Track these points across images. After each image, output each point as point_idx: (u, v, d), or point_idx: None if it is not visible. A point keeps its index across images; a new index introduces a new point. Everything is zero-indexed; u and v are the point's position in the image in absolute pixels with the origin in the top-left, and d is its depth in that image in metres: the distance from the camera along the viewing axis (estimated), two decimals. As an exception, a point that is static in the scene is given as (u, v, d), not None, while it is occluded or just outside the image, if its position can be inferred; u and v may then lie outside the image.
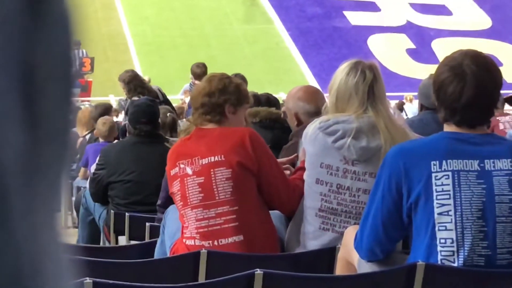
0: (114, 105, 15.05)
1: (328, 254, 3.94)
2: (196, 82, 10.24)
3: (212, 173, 4.13)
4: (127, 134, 7.39)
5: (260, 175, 4.21)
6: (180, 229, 4.29)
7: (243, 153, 4.17)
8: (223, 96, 4.30)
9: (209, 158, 4.15)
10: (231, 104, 4.33)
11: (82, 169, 9.14)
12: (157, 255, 4.53)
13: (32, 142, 0.56)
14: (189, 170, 4.17)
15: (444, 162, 3.33)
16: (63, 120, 0.60)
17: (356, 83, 4.12)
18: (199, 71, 10.69)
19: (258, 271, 3.34)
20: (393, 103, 17.57)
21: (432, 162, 3.33)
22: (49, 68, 0.59)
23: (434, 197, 3.32)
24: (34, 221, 0.57)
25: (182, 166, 4.19)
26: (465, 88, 3.33)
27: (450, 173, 3.32)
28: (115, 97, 18.75)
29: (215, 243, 4.10)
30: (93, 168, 6.87)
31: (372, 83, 4.13)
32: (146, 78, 19.54)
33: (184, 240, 4.18)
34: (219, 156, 4.14)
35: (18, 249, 0.55)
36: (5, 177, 0.54)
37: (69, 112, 0.61)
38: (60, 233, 0.60)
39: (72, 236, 7.42)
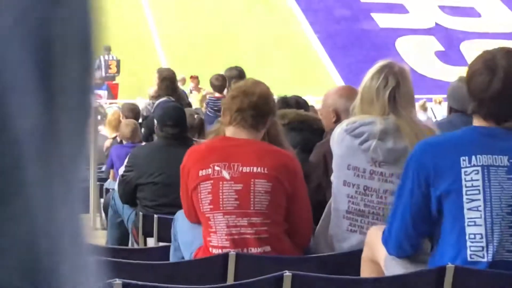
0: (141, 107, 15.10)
1: (357, 256, 3.93)
2: (217, 94, 10.18)
3: (252, 182, 4.09)
4: (155, 137, 7.43)
5: (292, 199, 4.19)
6: (197, 237, 4.27)
7: (286, 175, 4.13)
8: (269, 106, 4.28)
9: (252, 167, 4.10)
10: (272, 115, 4.32)
11: (111, 171, 9.18)
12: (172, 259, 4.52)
13: (48, 114, 0.56)
14: (226, 174, 4.10)
15: (473, 157, 3.32)
16: (82, 96, 0.60)
17: (378, 89, 4.12)
18: (218, 84, 10.60)
19: (287, 273, 3.34)
20: (417, 105, 17.53)
21: (461, 157, 3.33)
22: (67, 43, 0.59)
23: (464, 192, 3.31)
24: (52, 193, 0.56)
25: (217, 168, 4.11)
26: (493, 80, 3.33)
27: (479, 168, 3.31)
28: (143, 99, 18.81)
29: (244, 251, 4.06)
30: (121, 170, 6.90)
31: (394, 89, 4.11)
32: (181, 76, 19.88)
33: (210, 249, 4.14)
34: (262, 169, 4.10)
35: (35, 219, 0.55)
36: (21, 145, 0.54)
37: (88, 89, 0.60)
38: (81, 214, 0.59)
39: (100, 238, 7.45)
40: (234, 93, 4.30)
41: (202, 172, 4.14)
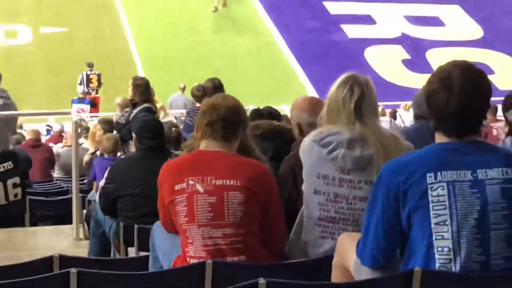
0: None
1: (329, 262, 3.93)
2: (197, 104, 10.16)
3: (225, 195, 4.08)
4: (134, 149, 7.40)
5: (266, 208, 4.18)
6: (175, 246, 4.26)
7: (258, 186, 4.13)
8: (240, 116, 4.26)
9: (225, 180, 4.10)
10: (244, 127, 4.31)
11: (94, 183, 9.15)
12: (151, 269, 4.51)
13: None
14: (200, 188, 4.09)
15: (438, 173, 3.33)
16: None
17: (343, 98, 4.14)
18: (199, 94, 10.58)
19: (262, 280, 3.33)
20: (387, 111, 17.56)
21: (427, 174, 3.33)
22: None
23: (431, 208, 3.32)
24: None
25: (191, 182, 4.10)
26: (451, 99, 3.34)
27: (445, 184, 3.32)
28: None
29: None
30: (101, 182, 6.87)
31: (359, 99, 4.14)
32: (182, 85, 20.14)
33: (188, 259, 4.13)
34: (235, 181, 4.10)
35: None
36: None
37: None
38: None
39: (83, 248, 7.41)
40: (204, 108, 4.31)
41: (177, 187, 4.14)
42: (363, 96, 4.15)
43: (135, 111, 9.96)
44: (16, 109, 9.89)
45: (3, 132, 9.68)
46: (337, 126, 4.14)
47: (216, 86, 9.88)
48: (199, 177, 4.11)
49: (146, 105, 9.81)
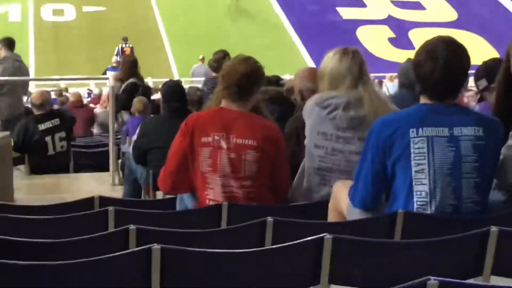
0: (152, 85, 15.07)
1: (326, 205, 3.93)
2: (214, 74, 10.09)
3: (243, 153, 4.08)
4: (161, 111, 7.43)
5: (275, 163, 4.17)
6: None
7: (271, 145, 4.12)
8: (255, 79, 4.20)
9: (244, 140, 4.09)
10: (258, 87, 4.27)
11: (127, 137, 9.17)
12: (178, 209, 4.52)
13: None
14: (223, 144, 4.08)
15: (420, 129, 3.33)
16: None
17: (350, 66, 4.12)
18: (215, 65, 10.48)
19: (269, 219, 3.34)
20: (375, 81, 17.52)
21: (410, 130, 3.33)
22: None
23: (412, 158, 3.32)
24: None
25: (216, 138, 4.08)
26: (435, 69, 3.33)
27: (425, 138, 3.32)
28: (152, 79, 18.75)
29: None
30: (134, 137, 6.88)
31: (361, 64, 4.15)
32: (201, 56, 20.07)
33: (207, 201, 4.13)
34: (252, 141, 4.08)
35: None
36: None
37: None
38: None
39: (118, 192, 7.43)
40: (223, 72, 4.26)
41: (204, 139, 4.11)
42: (363, 62, 4.15)
43: (122, 86, 10.06)
44: (27, 71, 10.04)
45: (18, 93, 9.75)
46: (337, 91, 4.13)
47: (226, 54, 9.84)
48: (223, 133, 4.09)
49: (131, 80, 9.84)
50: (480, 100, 5.41)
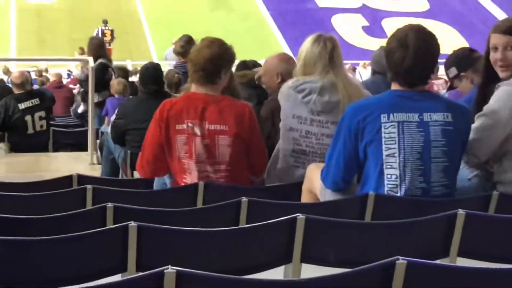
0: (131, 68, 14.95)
1: (299, 186, 3.94)
2: (182, 59, 9.95)
3: (216, 138, 4.08)
4: (139, 93, 7.40)
5: (249, 143, 4.17)
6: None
7: (243, 128, 4.12)
8: (221, 62, 4.17)
9: (216, 125, 4.09)
10: (226, 69, 4.25)
11: (106, 118, 9.12)
12: (156, 186, 4.51)
13: None
14: (197, 131, 4.08)
15: (391, 114, 3.34)
16: None
17: (320, 52, 4.12)
18: (182, 51, 10.34)
19: (244, 199, 3.33)
20: (347, 68, 17.54)
21: (382, 115, 3.34)
22: None
23: (383, 142, 3.34)
24: None
25: (190, 125, 4.08)
26: (406, 57, 3.33)
27: (396, 123, 3.33)
28: (131, 61, 18.65)
29: None
30: (113, 117, 6.84)
31: (332, 51, 4.13)
32: (174, 40, 19.65)
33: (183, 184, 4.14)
34: (224, 126, 4.08)
35: None
36: None
37: None
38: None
39: (97, 170, 7.40)
40: (190, 57, 4.23)
41: (178, 127, 4.11)
42: (334, 49, 4.14)
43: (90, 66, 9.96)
44: None
45: None
46: (311, 76, 4.13)
47: (190, 39, 9.74)
48: (196, 120, 4.08)
49: (100, 60, 9.74)
50: (450, 87, 5.44)
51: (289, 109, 4.17)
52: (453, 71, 5.02)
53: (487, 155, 3.62)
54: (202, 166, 4.10)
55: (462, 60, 4.99)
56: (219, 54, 4.16)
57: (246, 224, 3.25)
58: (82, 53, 19.27)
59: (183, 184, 4.13)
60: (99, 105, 9.45)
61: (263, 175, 4.34)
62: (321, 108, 4.09)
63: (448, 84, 5.65)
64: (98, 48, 9.99)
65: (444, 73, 5.18)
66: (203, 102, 4.13)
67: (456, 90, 5.20)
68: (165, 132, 4.13)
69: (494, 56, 3.68)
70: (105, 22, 24.29)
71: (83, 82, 10.20)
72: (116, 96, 9.18)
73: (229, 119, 4.10)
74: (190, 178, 4.11)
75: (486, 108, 3.55)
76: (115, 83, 9.33)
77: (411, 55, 3.32)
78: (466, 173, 3.75)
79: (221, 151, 4.10)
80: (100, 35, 23.77)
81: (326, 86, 4.10)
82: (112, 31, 24.18)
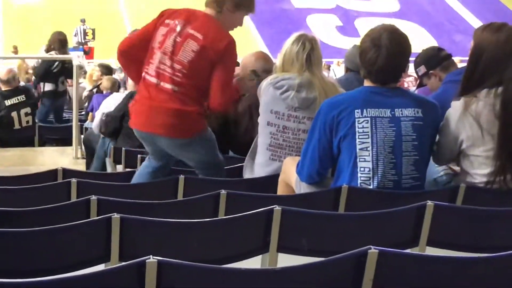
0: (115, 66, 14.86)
1: (276, 179, 3.94)
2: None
3: (187, 40, 4.13)
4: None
5: (215, 69, 4.12)
6: None
7: (216, 47, 4.10)
8: None
9: (195, 31, 4.13)
10: (232, 2, 4.25)
11: (90, 113, 9.07)
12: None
13: None
14: (178, 28, 4.16)
15: (364, 110, 3.35)
16: None
17: (297, 52, 4.12)
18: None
19: (223, 191, 3.33)
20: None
21: (355, 110, 3.35)
22: None
23: (357, 136, 3.34)
24: None
25: (176, 23, 4.19)
26: (379, 57, 3.34)
27: (369, 119, 3.34)
28: (113, 59, 18.52)
29: (161, 83, 4.16)
30: (97, 113, 6.77)
31: (309, 52, 4.13)
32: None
33: (144, 74, 4.25)
34: (200, 35, 4.12)
35: None
36: None
37: None
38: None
39: (81, 165, 7.36)
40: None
41: (167, 21, 4.23)
42: (312, 50, 4.14)
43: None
44: None
45: None
46: (290, 73, 4.13)
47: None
48: (183, 21, 4.18)
49: (51, 52, 9.65)
50: (420, 85, 5.46)
51: (267, 104, 4.17)
52: (422, 69, 5.04)
53: (447, 159, 3.65)
54: (163, 59, 4.15)
55: (431, 58, 5.01)
56: None
57: (225, 215, 3.25)
58: (15, 51, 19.19)
59: (143, 73, 4.23)
60: (47, 95, 9.51)
61: (215, 111, 4.29)
62: (298, 104, 4.10)
63: (418, 81, 5.67)
64: (57, 41, 9.80)
65: (414, 70, 5.20)
66: (200, 14, 4.24)
67: (425, 87, 5.22)
68: (155, 23, 4.27)
69: None
70: (83, 21, 24.15)
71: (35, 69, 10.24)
72: (104, 92, 9.15)
73: (209, 33, 4.12)
74: (150, 69, 4.20)
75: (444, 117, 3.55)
76: (104, 80, 9.33)
77: (384, 55, 3.33)
78: (436, 170, 3.77)
79: (184, 51, 4.13)
80: (81, 34, 23.65)
81: (304, 83, 4.10)
82: (93, 30, 24.05)
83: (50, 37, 9.96)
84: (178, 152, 4.32)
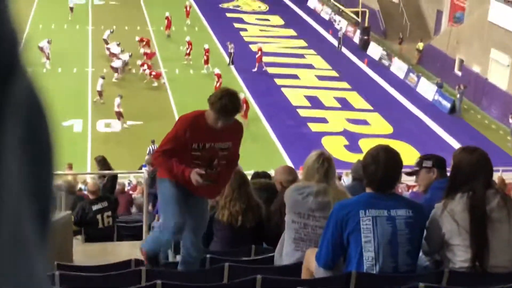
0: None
1: (300, 266, 3.89)
2: None
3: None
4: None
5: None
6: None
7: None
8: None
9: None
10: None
11: (156, 215, 9.08)
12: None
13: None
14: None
15: (367, 211, 3.34)
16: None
17: (318, 168, 4.14)
18: None
19: (259, 276, 3.29)
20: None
21: (360, 211, 3.34)
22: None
23: (362, 232, 3.31)
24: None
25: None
26: (378, 170, 3.36)
27: (371, 218, 3.32)
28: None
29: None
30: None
31: (328, 168, 4.15)
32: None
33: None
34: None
35: None
36: None
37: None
38: None
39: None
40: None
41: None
42: (329, 167, 4.17)
43: None
44: None
45: None
46: (310, 182, 4.15)
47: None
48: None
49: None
50: (408, 189, 5.43)
51: (291, 206, 4.17)
52: (429, 164, 4.97)
53: (434, 251, 3.61)
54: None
55: (442, 162, 4.97)
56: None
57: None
58: (70, 168, 17.96)
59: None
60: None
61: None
62: (316, 206, 4.09)
63: (408, 187, 5.64)
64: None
65: (405, 179, 5.19)
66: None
67: (415, 191, 5.18)
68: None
69: None
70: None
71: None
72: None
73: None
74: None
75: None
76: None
77: (382, 168, 3.35)
78: (424, 259, 3.72)
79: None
80: (151, 152, 23.92)
81: (321, 191, 4.11)
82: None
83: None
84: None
